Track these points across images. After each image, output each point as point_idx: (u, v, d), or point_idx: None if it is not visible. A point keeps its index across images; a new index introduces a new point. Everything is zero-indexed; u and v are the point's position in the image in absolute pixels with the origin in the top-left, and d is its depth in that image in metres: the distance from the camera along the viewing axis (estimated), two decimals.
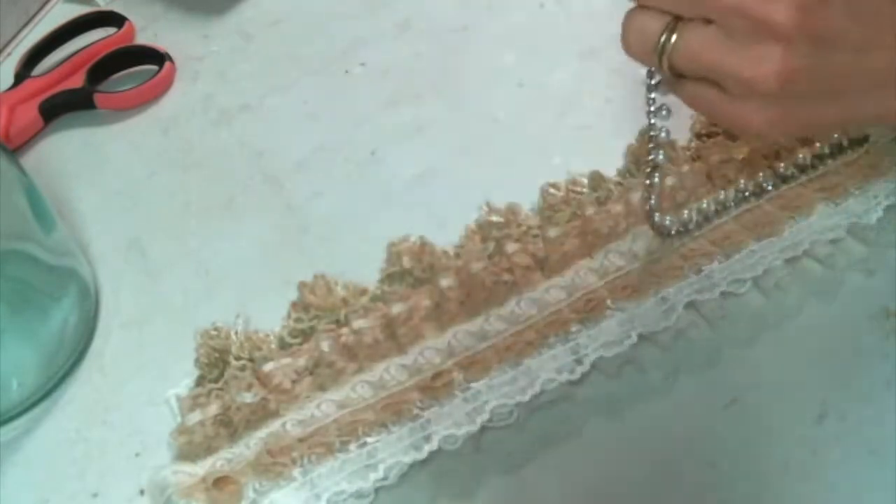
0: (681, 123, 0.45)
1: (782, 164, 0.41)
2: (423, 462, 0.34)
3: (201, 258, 0.44)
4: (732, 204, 0.40)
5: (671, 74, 0.31)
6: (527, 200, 0.42)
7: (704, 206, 0.40)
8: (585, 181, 0.42)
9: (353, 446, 0.35)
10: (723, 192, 0.40)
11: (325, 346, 0.37)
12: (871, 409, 0.34)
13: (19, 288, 0.38)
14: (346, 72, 0.52)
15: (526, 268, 0.39)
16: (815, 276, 0.38)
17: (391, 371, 0.36)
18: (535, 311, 0.37)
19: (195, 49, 0.55)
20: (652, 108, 0.34)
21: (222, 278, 0.43)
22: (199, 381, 0.38)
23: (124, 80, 0.54)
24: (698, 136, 0.44)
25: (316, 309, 0.39)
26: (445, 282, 0.39)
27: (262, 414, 0.36)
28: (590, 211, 0.41)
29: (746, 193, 0.41)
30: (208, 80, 0.53)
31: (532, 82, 0.49)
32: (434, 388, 0.36)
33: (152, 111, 0.52)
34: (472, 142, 0.47)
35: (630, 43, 0.31)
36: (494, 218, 0.41)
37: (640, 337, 0.36)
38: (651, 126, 0.35)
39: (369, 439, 0.35)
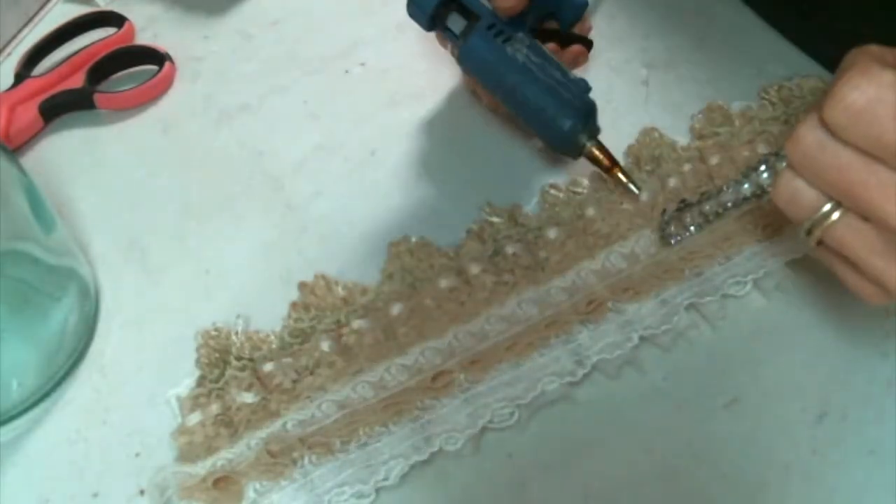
0: (681, 124, 0.45)
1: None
2: (424, 463, 0.34)
3: (201, 258, 0.44)
4: (732, 206, 0.40)
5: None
6: (527, 201, 0.42)
7: (707, 208, 0.39)
8: (586, 181, 0.42)
9: (353, 447, 0.35)
10: (723, 193, 0.40)
11: (325, 346, 0.37)
12: (871, 409, 0.34)
13: (19, 288, 0.38)
14: (346, 72, 0.52)
15: (527, 268, 0.39)
16: (816, 276, 0.38)
17: (392, 371, 0.36)
18: (536, 311, 0.37)
19: (195, 49, 0.55)
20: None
21: (222, 278, 0.43)
22: (200, 382, 0.38)
23: (124, 80, 0.54)
24: (699, 136, 0.44)
25: (316, 309, 0.39)
26: (445, 282, 0.39)
27: (262, 414, 0.36)
28: (591, 212, 0.41)
29: (747, 195, 0.41)
30: (208, 80, 0.53)
31: None
32: (435, 388, 0.36)
33: (152, 111, 0.52)
34: (472, 141, 0.47)
35: (782, 198, 0.31)
36: (495, 219, 0.41)
37: (641, 339, 0.36)
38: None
39: (370, 440, 0.35)
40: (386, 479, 0.34)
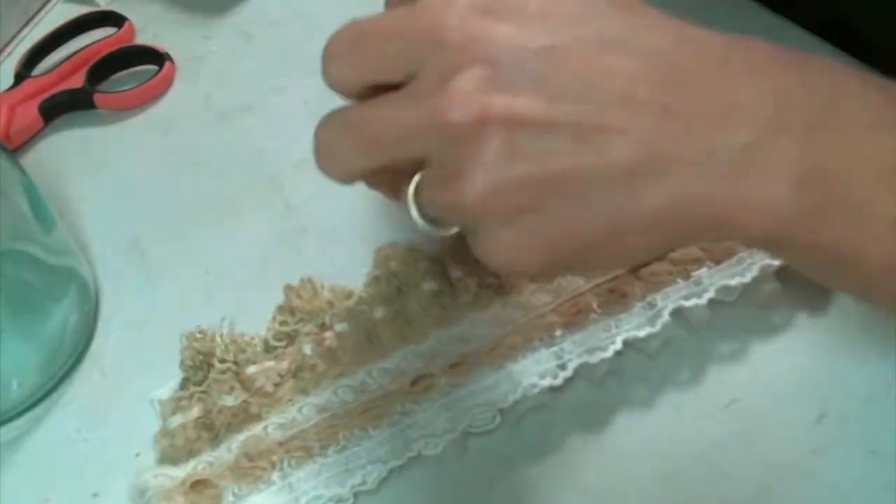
0: None
1: None
2: (403, 467, 0.34)
3: (201, 258, 0.44)
4: None
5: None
6: None
7: None
8: None
9: (332, 451, 0.35)
10: None
11: (307, 349, 0.37)
12: (871, 410, 0.34)
13: (19, 288, 0.38)
14: None
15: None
16: None
17: (373, 375, 0.36)
18: (520, 314, 0.37)
19: (195, 49, 0.55)
20: None
21: (222, 278, 0.43)
22: (183, 384, 0.37)
23: (124, 80, 0.54)
24: None
25: (301, 312, 0.39)
26: (429, 286, 0.38)
27: (243, 417, 0.36)
28: None
29: None
30: (208, 80, 0.53)
31: None
32: (415, 392, 0.35)
33: (152, 111, 0.52)
34: None
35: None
36: None
37: (626, 343, 0.36)
38: None
39: (349, 444, 0.35)
40: (364, 483, 0.34)
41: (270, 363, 0.37)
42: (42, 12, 0.60)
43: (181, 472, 0.35)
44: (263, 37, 0.55)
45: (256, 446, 0.35)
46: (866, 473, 0.33)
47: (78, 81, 0.52)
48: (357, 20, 0.27)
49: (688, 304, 0.36)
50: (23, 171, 0.39)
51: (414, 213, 0.25)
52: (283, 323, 0.38)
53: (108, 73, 0.54)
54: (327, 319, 0.38)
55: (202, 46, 0.55)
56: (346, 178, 0.27)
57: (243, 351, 0.38)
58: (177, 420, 0.36)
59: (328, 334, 0.38)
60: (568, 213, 0.23)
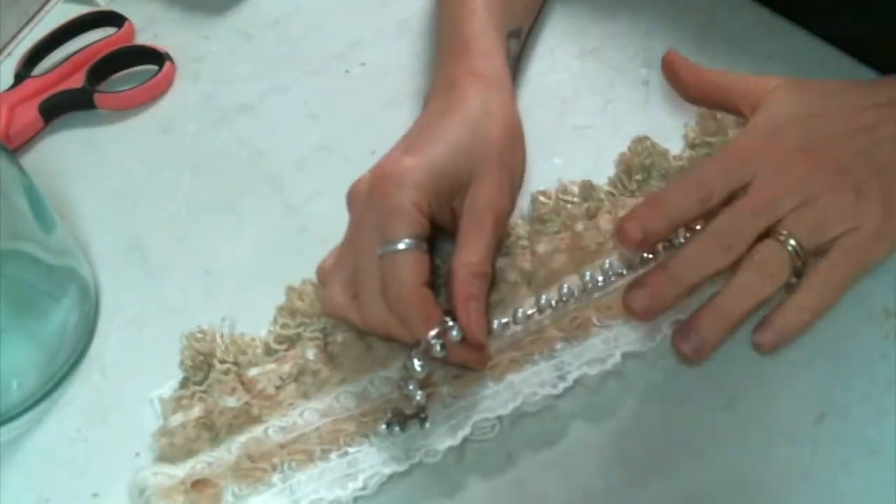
0: (680, 125, 0.44)
1: None
2: (403, 473, 0.34)
3: (201, 258, 0.44)
4: None
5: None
6: (519, 206, 0.41)
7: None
8: (576, 189, 0.42)
9: (333, 455, 0.35)
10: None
11: (310, 354, 0.37)
12: (871, 409, 0.34)
13: (19, 288, 0.38)
14: (346, 72, 0.52)
15: (514, 284, 0.39)
16: None
17: (375, 383, 0.36)
18: (520, 328, 0.37)
19: (195, 49, 0.55)
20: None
21: (222, 278, 0.43)
22: (184, 383, 0.37)
23: (124, 80, 0.54)
24: (692, 145, 0.43)
25: (303, 315, 0.39)
26: None
27: (244, 419, 0.36)
28: (579, 226, 0.40)
29: None
30: (208, 80, 0.53)
31: (531, 81, 0.49)
32: None
33: (152, 111, 0.52)
34: None
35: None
36: None
37: (624, 355, 0.36)
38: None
39: (350, 449, 0.35)
40: (364, 488, 0.34)
41: (272, 366, 0.37)
42: (42, 12, 0.60)
43: (180, 470, 0.35)
44: (263, 37, 0.55)
45: (257, 448, 0.35)
46: (866, 473, 0.33)
47: (78, 81, 0.52)
48: None
49: (685, 317, 0.36)
50: (23, 171, 0.39)
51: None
52: (284, 326, 0.38)
53: (108, 73, 0.54)
54: (330, 325, 0.38)
55: (202, 46, 0.55)
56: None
57: (244, 352, 0.38)
58: (177, 419, 0.36)
59: (331, 339, 0.38)
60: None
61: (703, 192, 0.35)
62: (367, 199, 0.36)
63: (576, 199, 0.41)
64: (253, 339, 0.39)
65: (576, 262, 0.39)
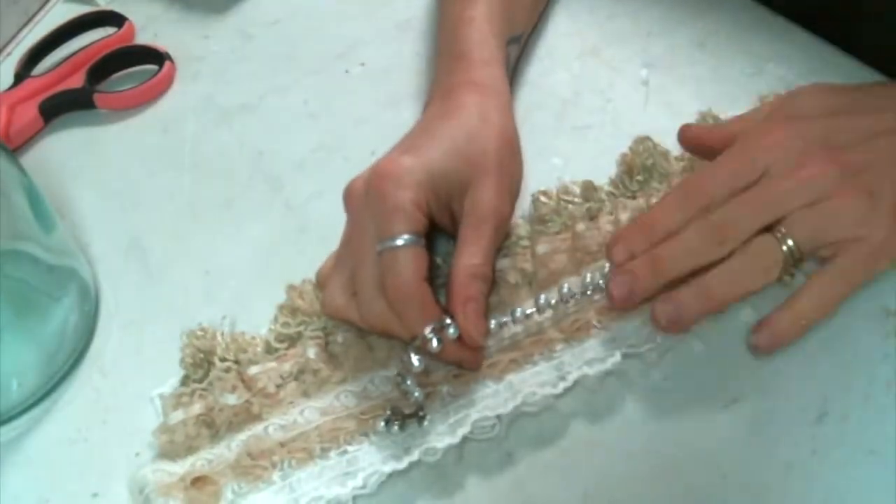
0: (674, 133, 0.44)
1: None
2: (403, 471, 0.34)
3: (201, 258, 0.44)
4: None
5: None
6: (520, 206, 0.41)
7: None
8: (577, 189, 0.42)
9: (333, 453, 0.35)
10: None
11: (311, 353, 0.37)
12: (871, 409, 0.34)
13: (19, 288, 0.38)
14: (346, 72, 0.52)
15: (514, 285, 0.39)
16: None
17: (375, 382, 0.37)
18: (521, 329, 0.37)
19: (195, 49, 0.55)
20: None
21: (222, 278, 0.43)
22: (184, 381, 0.38)
23: (124, 80, 0.54)
24: None
25: (303, 314, 0.39)
26: None
27: (244, 416, 0.36)
28: (580, 227, 0.40)
29: None
30: (208, 80, 0.53)
31: (531, 81, 0.49)
32: None
33: (152, 111, 0.52)
34: None
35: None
36: None
37: (625, 356, 0.36)
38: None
39: (350, 447, 0.35)
40: (364, 486, 0.34)
41: (272, 364, 0.37)
42: (42, 12, 0.60)
43: (180, 468, 0.35)
44: (263, 37, 0.55)
45: (257, 446, 0.35)
46: (866, 473, 0.33)
47: (78, 81, 0.52)
48: None
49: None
50: (23, 171, 0.39)
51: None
52: (284, 324, 0.38)
53: (108, 73, 0.54)
54: (331, 324, 0.38)
55: (202, 46, 0.55)
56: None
57: (244, 350, 0.38)
58: (177, 416, 0.36)
59: (331, 339, 0.38)
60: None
61: (704, 200, 0.36)
62: (364, 198, 0.36)
63: (577, 200, 0.41)
64: (253, 338, 0.39)
65: (576, 262, 0.39)
